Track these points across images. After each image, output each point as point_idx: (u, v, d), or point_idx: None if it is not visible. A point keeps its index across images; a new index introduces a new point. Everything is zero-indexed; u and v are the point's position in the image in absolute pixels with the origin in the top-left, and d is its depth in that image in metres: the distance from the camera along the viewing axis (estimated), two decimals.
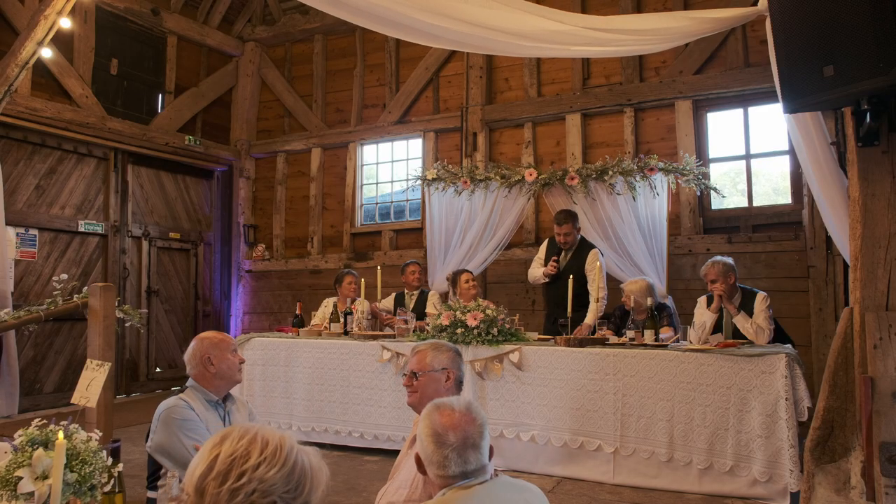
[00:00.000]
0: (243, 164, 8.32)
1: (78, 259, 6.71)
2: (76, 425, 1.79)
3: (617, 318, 4.96)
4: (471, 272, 5.65)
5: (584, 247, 5.25)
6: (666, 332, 4.56)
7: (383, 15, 3.83)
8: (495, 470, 1.77)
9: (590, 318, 4.87)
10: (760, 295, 4.38)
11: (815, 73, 2.60)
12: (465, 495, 1.59)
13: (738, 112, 6.22)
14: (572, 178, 5.67)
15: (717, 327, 4.43)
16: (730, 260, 4.47)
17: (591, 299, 4.97)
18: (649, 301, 4.36)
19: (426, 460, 1.67)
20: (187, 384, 2.75)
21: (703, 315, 4.51)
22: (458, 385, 2.48)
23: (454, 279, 5.63)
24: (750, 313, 4.32)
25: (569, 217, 5.24)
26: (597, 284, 4.95)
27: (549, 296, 5.45)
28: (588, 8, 6.61)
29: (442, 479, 1.64)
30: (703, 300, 4.62)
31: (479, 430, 1.67)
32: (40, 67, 6.00)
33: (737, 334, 4.31)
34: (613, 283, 5.57)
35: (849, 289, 3.20)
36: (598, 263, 5.03)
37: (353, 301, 5.43)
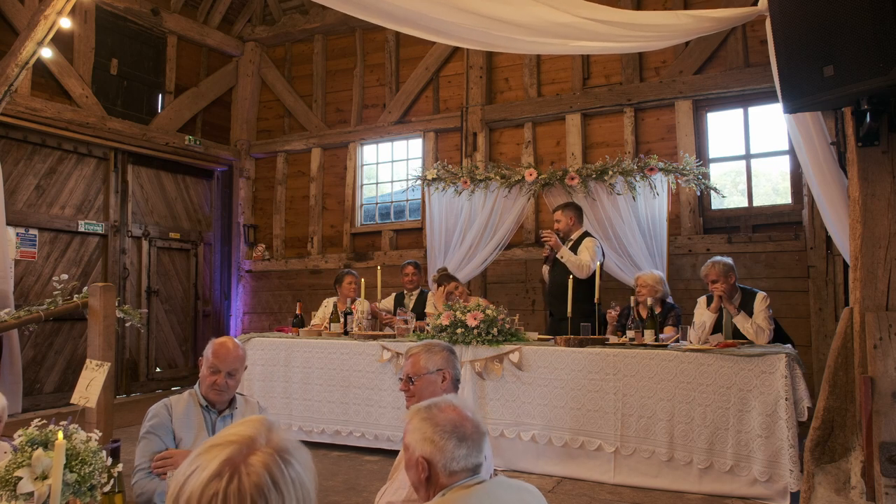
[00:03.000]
0: (243, 164, 8.32)
1: (78, 259, 6.71)
2: (76, 425, 1.79)
3: (624, 318, 4.95)
4: (457, 282, 5.49)
5: (583, 238, 5.26)
6: (668, 332, 4.56)
7: (384, 9, 3.82)
8: (494, 470, 1.77)
9: (565, 251, 5.00)
10: (760, 295, 4.38)
11: (815, 73, 2.60)
12: (464, 495, 1.58)
13: (738, 112, 6.21)
14: (572, 178, 5.68)
15: (716, 327, 4.43)
16: (729, 260, 4.47)
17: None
18: (650, 301, 4.36)
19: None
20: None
21: (702, 315, 4.51)
22: (455, 384, 2.47)
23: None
24: (750, 313, 4.32)
25: (562, 206, 5.35)
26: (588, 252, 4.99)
27: (546, 285, 5.42)
28: None
29: (440, 479, 1.64)
30: (702, 300, 4.62)
31: (477, 429, 1.67)
32: (40, 67, 6.00)
33: (737, 334, 4.32)
34: (614, 283, 5.57)
35: (849, 289, 3.20)
36: (591, 245, 5.04)
37: (353, 301, 5.43)
